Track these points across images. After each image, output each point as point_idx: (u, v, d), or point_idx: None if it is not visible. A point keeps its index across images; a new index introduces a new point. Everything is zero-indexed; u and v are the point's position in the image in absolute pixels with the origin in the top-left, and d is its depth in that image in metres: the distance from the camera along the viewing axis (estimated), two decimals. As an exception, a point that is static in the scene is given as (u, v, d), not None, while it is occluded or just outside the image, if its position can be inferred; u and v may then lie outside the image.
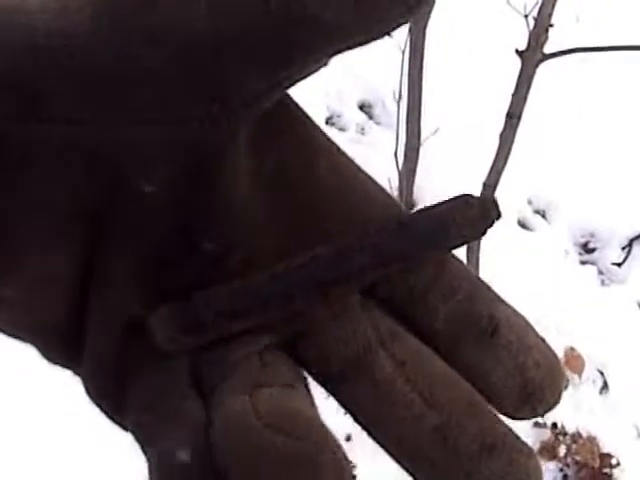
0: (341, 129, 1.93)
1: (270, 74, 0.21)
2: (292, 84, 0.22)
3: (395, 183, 1.45)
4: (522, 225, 1.89)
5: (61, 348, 0.23)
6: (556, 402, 0.23)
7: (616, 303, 1.78)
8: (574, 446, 1.58)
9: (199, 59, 0.20)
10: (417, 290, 0.23)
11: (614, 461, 1.58)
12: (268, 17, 0.20)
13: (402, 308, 0.23)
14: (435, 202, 0.24)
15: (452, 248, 0.24)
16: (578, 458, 1.57)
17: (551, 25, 0.94)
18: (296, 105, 0.24)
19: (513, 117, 1.00)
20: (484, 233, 0.24)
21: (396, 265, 0.23)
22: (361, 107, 2.00)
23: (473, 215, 0.23)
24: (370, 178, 0.24)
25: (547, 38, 0.94)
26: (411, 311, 0.23)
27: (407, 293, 0.23)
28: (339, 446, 0.20)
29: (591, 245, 1.89)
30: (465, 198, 0.24)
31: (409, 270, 0.23)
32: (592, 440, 1.59)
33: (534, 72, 0.97)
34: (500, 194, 1.11)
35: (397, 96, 1.37)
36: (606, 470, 1.57)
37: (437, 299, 0.23)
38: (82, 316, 0.22)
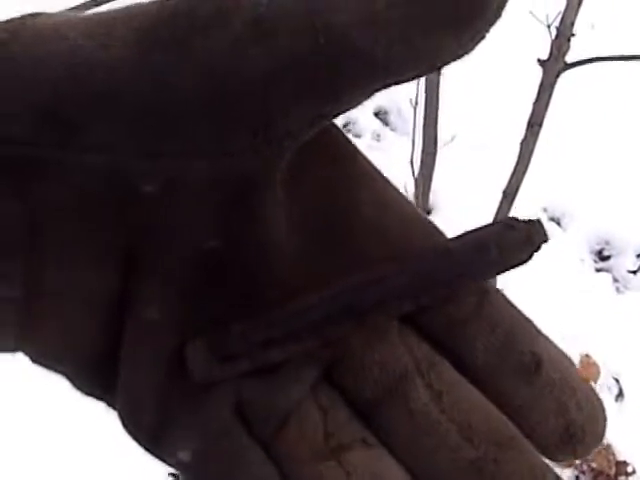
0: (357, 135, 1.93)
1: (316, 107, 0.21)
2: (337, 115, 0.22)
3: (411, 190, 1.45)
4: (537, 232, 1.88)
5: (95, 379, 0.23)
6: (597, 445, 0.22)
7: (631, 310, 1.77)
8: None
9: (247, 91, 0.20)
10: (456, 321, 0.23)
11: (630, 469, 1.57)
12: (317, 52, 0.20)
13: (441, 339, 0.23)
14: (477, 226, 0.23)
15: (495, 275, 0.23)
16: (594, 465, 1.56)
17: (573, 34, 0.94)
18: (337, 129, 0.23)
19: (534, 125, 1.00)
20: (530, 258, 0.23)
21: (435, 293, 0.22)
22: (377, 114, 2.00)
23: (517, 239, 0.22)
24: (409, 204, 0.24)
25: (569, 47, 0.94)
26: (449, 342, 0.23)
27: (446, 323, 0.23)
28: None
29: (606, 253, 1.89)
30: (509, 221, 0.23)
31: (449, 299, 0.23)
32: (608, 448, 1.58)
33: (555, 81, 0.97)
34: (515, 202, 1.11)
35: (414, 102, 1.37)
36: (622, 478, 1.57)
37: (477, 331, 0.23)
38: (117, 347, 0.22)
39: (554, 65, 0.95)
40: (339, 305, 0.22)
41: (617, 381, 1.69)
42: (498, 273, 0.23)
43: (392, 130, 1.98)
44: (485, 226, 0.23)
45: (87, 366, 0.23)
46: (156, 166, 0.20)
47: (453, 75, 1.34)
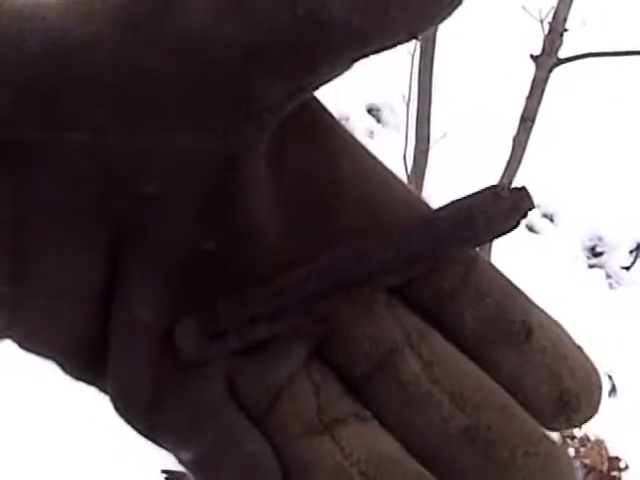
0: (349, 132, 1.93)
1: (296, 80, 0.21)
2: (317, 88, 0.22)
3: (404, 186, 1.45)
4: (530, 229, 1.89)
5: (84, 365, 0.23)
6: (593, 413, 0.22)
7: (624, 307, 1.78)
8: (582, 449, 1.58)
9: (226, 65, 0.20)
10: (445, 292, 0.22)
11: (622, 464, 1.58)
12: (295, 24, 0.20)
13: (429, 310, 0.23)
14: (462, 195, 0.23)
15: (481, 244, 0.22)
16: (586, 461, 1.57)
17: (566, 30, 0.94)
18: (317, 102, 0.23)
19: (527, 121, 1.00)
20: (516, 226, 0.22)
21: (422, 264, 0.22)
22: (369, 110, 2.00)
23: (504, 207, 0.22)
24: (393, 176, 0.23)
25: (562, 43, 0.94)
26: (438, 313, 0.22)
27: (434, 295, 0.22)
28: None
29: (599, 249, 1.89)
30: (493, 189, 0.22)
31: (436, 271, 0.22)
32: (600, 443, 1.59)
33: (548, 76, 0.97)
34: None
35: (406, 99, 1.37)
36: (614, 473, 1.57)
37: (465, 301, 0.22)
38: (105, 333, 0.22)
39: (547, 60, 0.95)
40: (326, 280, 0.22)
41: (610, 377, 1.69)
42: (485, 242, 0.22)
43: (385, 127, 1.98)
44: (470, 195, 0.22)
45: (75, 353, 0.22)
46: (137, 144, 0.20)
47: (445, 71, 1.34)
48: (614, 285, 1.85)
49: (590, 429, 1.60)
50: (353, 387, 0.22)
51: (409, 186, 0.23)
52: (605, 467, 1.57)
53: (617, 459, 1.58)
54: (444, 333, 0.22)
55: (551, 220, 1.91)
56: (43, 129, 0.20)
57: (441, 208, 0.23)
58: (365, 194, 0.23)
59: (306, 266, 0.22)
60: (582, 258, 1.88)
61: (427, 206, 0.23)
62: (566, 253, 1.86)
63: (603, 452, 1.58)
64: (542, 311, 0.23)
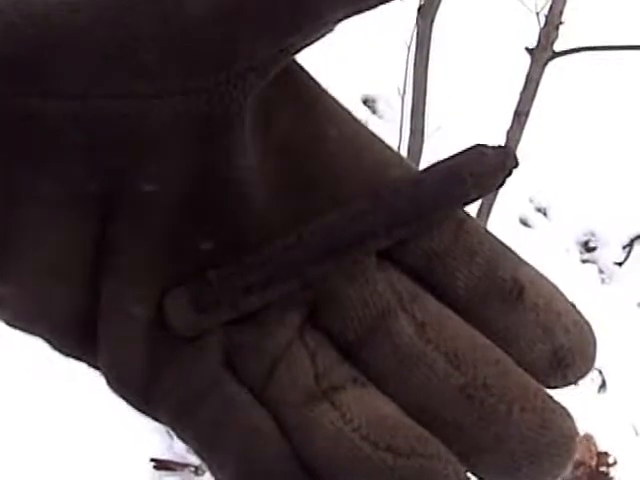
0: (344, 123, 1.92)
1: (278, 40, 0.20)
2: (300, 50, 0.21)
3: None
4: (523, 223, 1.89)
5: (75, 338, 0.22)
6: (588, 369, 0.22)
7: (616, 302, 1.78)
8: (571, 444, 1.58)
9: (206, 27, 0.19)
10: (435, 252, 0.22)
11: (611, 460, 1.58)
12: None
13: (420, 272, 0.22)
14: (448, 156, 0.23)
15: (470, 202, 0.22)
16: (575, 456, 1.57)
17: (561, 23, 0.93)
18: (302, 70, 0.23)
19: (521, 115, 1.00)
20: (503, 184, 0.23)
21: (412, 225, 0.22)
22: (365, 102, 1.99)
23: (489, 165, 0.22)
24: (382, 142, 0.23)
25: (557, 36, 0.94)
26: (430, 274, 0.22)
27: (425, 256, 0.22)
28: (444, 452, 0.20)
29: (592, 244, 1.89)
30: (479, 148, 0.22)
31: (426, 231, 0.22)
32: (589, 439, 1.59)
33: (543, 70, 0.97)
34: (501, 192, 1.11)
35: (401, 92, 1.37)
36: (603, 469, 1.57)
37: (457, 261, 0.22)
38: (95, 304, 0.22)
39: (542, 54, 0.95)
40: (317, 244, 0.22)
41: (600, 372, 1.70)
42: (473, 200, 0.22)
43: (380, 118, 1.97)
44: (456, 154, 0.22)
45: (64, 330, 0.22)
46: (122, 111, 0.20)
47: (440, 64, 1.34)
48: (606, 280, 1.85)
49: (579, 424, 1.61)
50: (348, 352, 0.22)
51: (399, 152, 0.23)
52: (594, 462, 1.57)
53: (606, 454, 1.58)
54: (436, 294, 0.22)
55: (544, 214, 1.91)
56: (26, 96, 0.19)
57: (428, 168, 0.22)
58: (353, 159, 0.23)
59: (296, 230, 0.22)
60: (575, 253, 1.88)
61: (414, 167, 0.23)
62: (559, 248, 1.86)
63: (592, 447, 1.58)
64: (534, 269, 0.23)
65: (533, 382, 0.21)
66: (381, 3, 0.21)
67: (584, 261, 1.87)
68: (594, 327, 0.22)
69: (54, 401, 1.34)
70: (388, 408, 0.21)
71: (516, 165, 0.23)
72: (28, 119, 0.20)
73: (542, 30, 0.94)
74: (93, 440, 1.30)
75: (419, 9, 1.09)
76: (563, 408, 0.21)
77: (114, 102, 0.20)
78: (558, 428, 0.21)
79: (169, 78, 0.20)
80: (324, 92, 0.23)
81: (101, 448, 1.30)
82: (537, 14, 0.95)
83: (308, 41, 0.21)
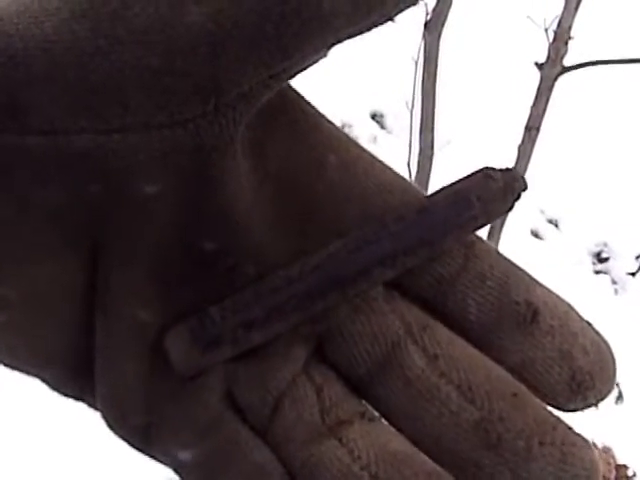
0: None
1: (267, 67, 0.20)
2: (292, 76, 0.21)
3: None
4: (535, 235, 1.88)
5: (71, 377, 0.22)
6: (609, 390, 0.21)
7: (630, 313, 1.77)
8: (589, 457, 1.57)
9: (192, 55, 0.19)
10: (445, 279, 0.21)
11: (630, 472, 1.57)
12: (262, 8, 0.19)
13: (430, 300, 0.22)
14: (455, 180, 0.22)
15: (479, 227, 0.22)
16: (594, 469, 1.56)
17: (570, 38, 0.93)
18: (299, 95, 0.22)
19: (532, 129, 0.99)
20: (512, 208, 0.22)
21: (419, 253, 0.21)
22: (373, 117, 2.00)
23: (498, 189, 0.21)
24: (386, 166, 0.22)
25: (567, 51, 0.94)
26: (440, 302, 0.21)
27: (434, 283, 0.21)
28: None
29: (604, 255, 1.89)
30: (486, 171, 0.22)
31: (434, 258, 0.21)
32: (608, 451, 1.58)
33: (553, 85, 0.97)
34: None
35: (410, 106, 1.36)
36: (622, 481, 1.56)
37: (467, 286, 0.21)
38: (90, 341, 0.21)
39: (552, 68, 0.95)
40: (321, 276, 0.21)
41: (617, 384, 1.69)
42: (482, 225, 0.22)
43: (389, 133, 1.98)
44: (462, 179, 0.22)
45: (58, 368, 0.22)
46: (109, 146, 0.19)
47: (449, 78, 1.34)
48: (620, 291, 1.84)
49: (597, 436, 1.60)
50: (357, 386, 0.21)
51: (403, 176, 0.22)
52: (613, 475, 1.56)
53: (625, 467, 1.57)
54: (447, 323, 0.22)
55: (556, 226, 1.91)
56: (4, 133, 0.19)
57: (434, 194, 0.22)
58: (354, 185, 0.22)
59: (298, 262, 0.21)
60: (587, 264, 1.87)
61: (419, 192, 0.22)
62: (571, 259, 1.85)
63: (611, 460, 1.57)
64: (547, 289, 0.22)
65: (551, 414, 0.21)
66: (369, 29, 0.20)
67: (597, 272, 1.87)
68: (608, 339, 0.21)
69: (69, 415, 1.34)
70: (397, 442, 0.21)
71: (525, 188, 0.22)
72: (8, 154, 0.19)
73: (551, 45, 0.94)
74: (110, 457, 1.30)
75: (426, 24, 1.09)
76: (584, 440, 0.20)
77: (99, 137, 0.19)
78: (579, 461, 0.20)
79: (155, 111, 0.19)
80: (322, 117, 0.23)
81: (118, 465, 1.30)
82: (546, 30, 0.95)
83: (300, 66, 0.20)
